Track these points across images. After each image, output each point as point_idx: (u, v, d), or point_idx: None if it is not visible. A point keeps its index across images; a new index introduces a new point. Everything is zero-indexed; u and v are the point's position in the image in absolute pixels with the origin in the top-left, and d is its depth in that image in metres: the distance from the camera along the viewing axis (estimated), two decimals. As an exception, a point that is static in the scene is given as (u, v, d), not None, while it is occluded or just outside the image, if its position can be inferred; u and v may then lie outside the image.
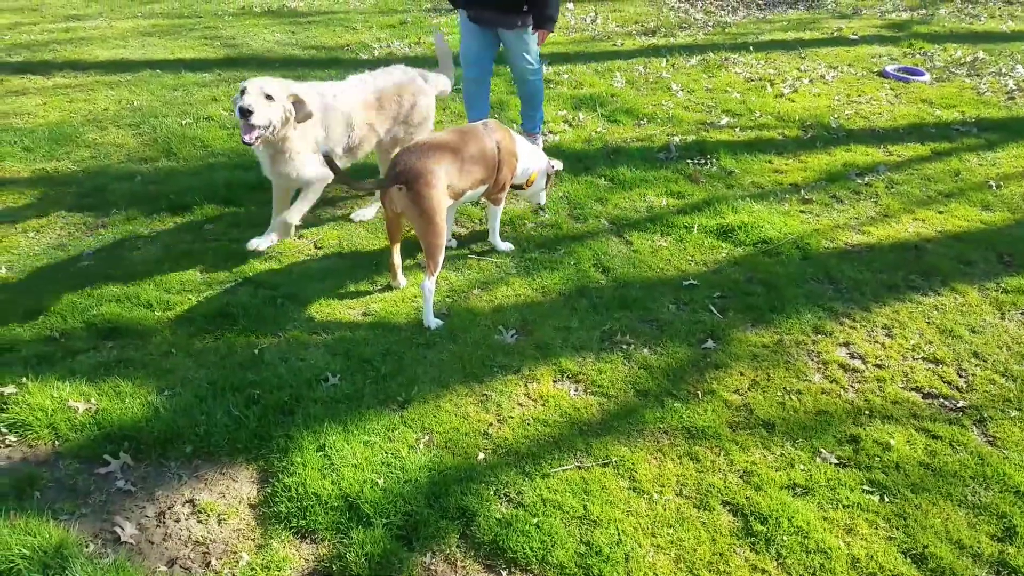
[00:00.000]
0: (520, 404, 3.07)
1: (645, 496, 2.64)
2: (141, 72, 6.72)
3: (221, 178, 4.75)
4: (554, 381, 3.19)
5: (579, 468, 2.75)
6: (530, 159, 4.04)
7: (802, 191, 4.82)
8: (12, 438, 2.81)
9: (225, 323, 3.46)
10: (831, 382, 3.21)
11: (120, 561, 2.33)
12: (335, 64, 6.97)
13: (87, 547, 2.39)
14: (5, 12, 8.84)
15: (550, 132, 5.60)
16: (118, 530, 2.46)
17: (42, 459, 2.73)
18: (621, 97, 6.26)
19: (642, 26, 8.54)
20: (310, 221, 4.38)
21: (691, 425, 2.95)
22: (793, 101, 6.33)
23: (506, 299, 3.71)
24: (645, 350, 3.35)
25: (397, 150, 3.90)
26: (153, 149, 5.24)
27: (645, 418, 2.98)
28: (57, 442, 2.80)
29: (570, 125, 5.77)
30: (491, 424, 2.96)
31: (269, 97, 3.49)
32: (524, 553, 2.42)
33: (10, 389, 2.98)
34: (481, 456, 2.80)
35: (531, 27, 4.71)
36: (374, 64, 6.99)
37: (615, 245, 4.18)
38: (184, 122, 5.64)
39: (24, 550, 2.30)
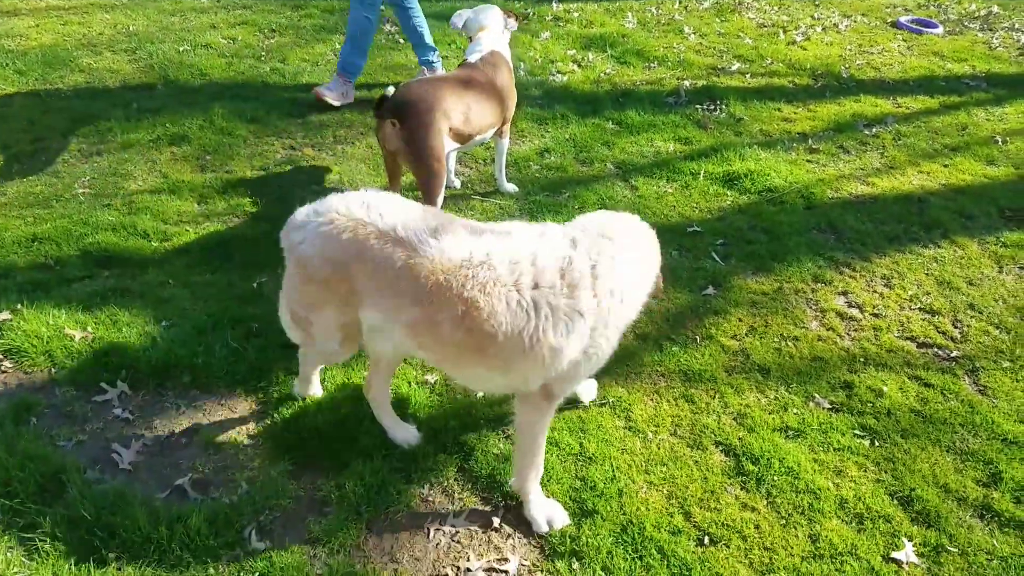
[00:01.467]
0: (518, 344, 3.06)
1: (640, 435, 2.67)
2: (135, -4, 6.50)
3: (220, 108, 4.65)
4: (553, 322, 3.18)
5: (576, 407, 2.77)
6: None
7: (810, 140, 4.75)
8: (8, 364, 2.81)
9: (223, 255, 3.43)
10: (828, 330, 3.22)
11: (119, 487, 2.36)
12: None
13: (85, 472, 2.42)
14: (-8, -71, 8.51)
15: (558, 72, 5.47)
16: (116, 457, 2.48)
17: (39, 386, 2.74)
18: (632, 38, 6.10)
19: (653, -35, 8.28)
20: (310, 156, 4.31)
21: (688, 368, 2.96)
22: (805, 49, 6.18)
23: (507, 240, 3.67)
24: (645, 295, 3.35)
25: None
26: (150, 76, 5.10)
27: (643, 361, 2.99)
28: (53, 369, 2.80)
29: (579, 65, 5.63)
30: (489, 363, 2.96)
31: None
32: (519, 487, 2.45)
33: (5, 315, 2.97)
34: (480, 394, 2.82)
35: None
36: None
37: (620, 190, 4.13)
38: (181, 49, 5.48)
39: (21, 473, 2.32)
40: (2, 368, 2.79)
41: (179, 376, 2.79)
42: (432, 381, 2.86)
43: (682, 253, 3.64)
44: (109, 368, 2.79)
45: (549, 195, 4.04)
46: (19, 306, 3.01)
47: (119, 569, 2.12)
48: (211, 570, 2.14)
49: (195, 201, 3.83)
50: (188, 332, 2.94)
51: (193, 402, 2.72)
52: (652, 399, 2.83)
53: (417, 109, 3.20)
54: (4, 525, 2.22)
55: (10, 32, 5.67)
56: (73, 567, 2.11)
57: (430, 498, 2.44)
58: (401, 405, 2.72)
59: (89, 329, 2.93)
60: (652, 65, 5.70)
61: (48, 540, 2.16)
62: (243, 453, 2.55)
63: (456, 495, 2.46)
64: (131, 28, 5.88)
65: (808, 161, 4.52)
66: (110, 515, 2.23)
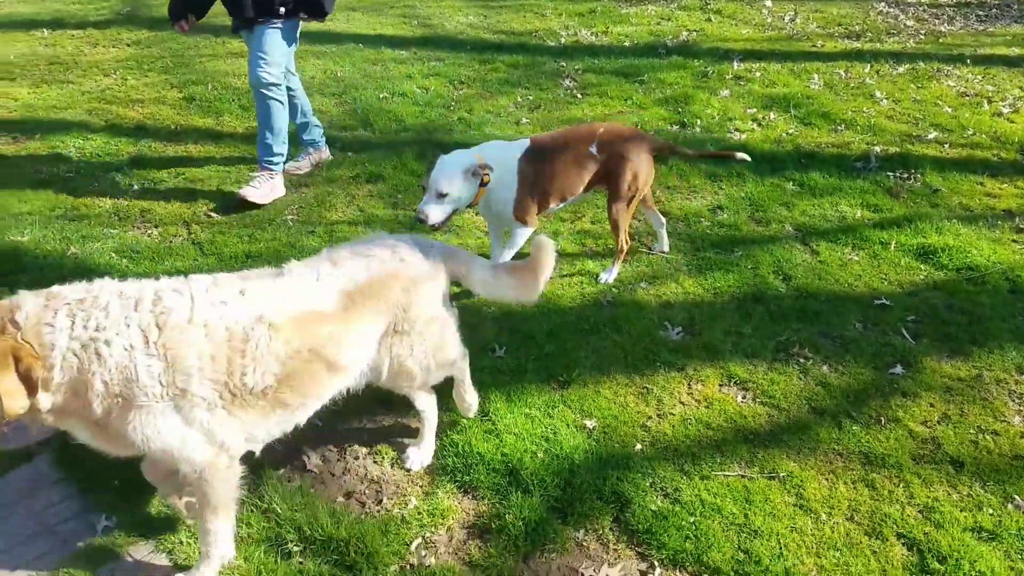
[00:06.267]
0: (682, 402, 3.03)
1: (812, 515, 2.53)
2: (345, 44, 7.21)
3: (412, 152, 5.03)
4: (720, 385, 3.11)
5: (743, 477, 2.67)
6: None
7: (1017, 219, 4.34)
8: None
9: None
10: (1035, 429, 2.89)
11: (305, 487, 2.58)
12: (521, 49, 7.13)
13: (278, 470, 2.66)
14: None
15: (736, 130, 5.43)
16: (305, 459, 2.72)
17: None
18: (817, 100, 5.93)
19: (845, 29, 8.02)
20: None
21: (870, 451, 2.77)
22: (1013, 122, 5.69)
23: (674, 296, 3.66)
24: (824, 367, 3.19)
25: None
26: (353, 119, 5.63)
27: (819, 436, 2.84)
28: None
29: (759, 124, 5.54)
30: (650, 417, 2.95)
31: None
32: (679, 548, 2.40)
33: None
34: (638, 447, 2.80)
35: (274, 24, 4.00)
36: (559, 52, 7.08)
37: (799, 253, 3.99)
38: (381, 96, 6.01)
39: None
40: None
41: (364, 390, 2.99)
42: (591, 427, 2.88)
43: (867, 327, 3.44)
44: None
45: (720, 252, 3.98)
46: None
47: (301, 563, 2.31)
48: (380, 577, 2.27)
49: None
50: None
51: (374, 416, 2.91)
52: (827, 479, 2.67)
53: None
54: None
55: (236, 72, 6.47)
56: (263, 555, 2.32)
57: (585, 543, 2.45)
58: (560, 446, 2.76)
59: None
60: (839, 128, 5.50)
61: (243, 527, 2.40)
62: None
63: (611, 545, 2.44)
64: (339, 74, 6.53)
65: (1015, 241, 4.13)
66: (296, 512, 2.44)
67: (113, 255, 3.90)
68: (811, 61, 6.88)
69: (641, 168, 3.49)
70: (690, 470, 2.70)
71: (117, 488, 2.53)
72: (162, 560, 2.34)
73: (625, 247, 3.68)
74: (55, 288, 1.95)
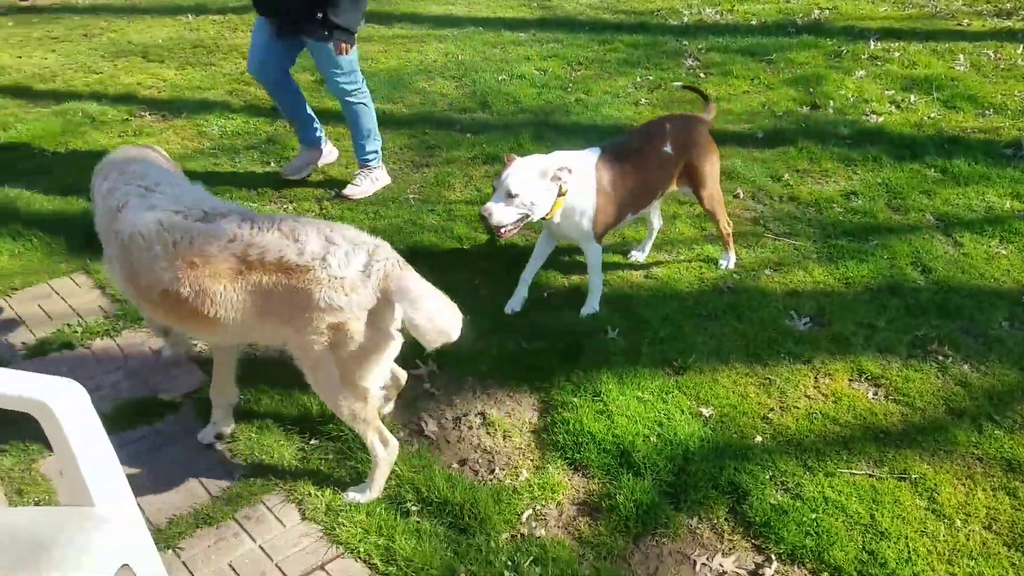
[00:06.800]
0: (808, 396, 2.91)
1: (946, 521, 2.38)
2: (466, 28, 7.31)
3: (528, 133, 5.06)
4: (850, 380, 2.97)
5: (870, 476, 2.54)
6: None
7: None
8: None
9: (517, 264, 3.71)
10: None
11: (422, 451, 2.68)
12: (641, 29, 6.99)
13: (399, 432, 2.77)
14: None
15: (872, 112, 5.10)
16: (423, 424, 2.82)
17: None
18: (963, 82, 5.48)
19: (995, 6, 7.34)
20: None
21: (1012, 457, 2.58)
22: None
23: (802, 284, 3.51)
24: (965, 365, 2.98)
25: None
26: (472, 101, 5.71)
27: (956, 439, 2.66)
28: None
29: (897, 107, 5.19)
30: (772, 409, 2.86)
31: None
32: (798, 544, 2.33)
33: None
34: (758, 439, 2.72)
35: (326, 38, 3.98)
36: (681, 31, 6.89)
37: (940, 245, 3.72)
38: (500, 78, 6.07)
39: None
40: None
41: (479, 364, 3.07)
42: (707, 415, 2.82)
43: (1014, 325, 3.18)
44: (421, 348, 3.15)
45: (853, 240, 3.78)
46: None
47: (418, 522, 2.41)
48: (492, 543, 2.33)
49: (501, 213, 4.20)
50: (489, 327, 3.23)
51: (487, 389, 2.98)
52: (964, 484, 2.50)
53: None
54: (335, 465, 2.65)
55: (364, 56, 6.63)
56: (383, 511, 2.44)
57: (698, 531, 2.41)
58: (674, 431, 2.72)
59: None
60: (987, 112, 5.06)
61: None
62: (525, 443, 2.75)
63: (726, 535, 2.40)
64: (459, 57, 6.63)
65: None
66: (415, 473, 2.54)
67: (251, 226, 4.17)
68: (956, 41, 6.35)
69: (715, 148, 3.45)
70: (814, 466, 2.60)
71: (254, 439, 2.73)
72: (291, 509, 2.50)
73: (729, 228, 3.58)
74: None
